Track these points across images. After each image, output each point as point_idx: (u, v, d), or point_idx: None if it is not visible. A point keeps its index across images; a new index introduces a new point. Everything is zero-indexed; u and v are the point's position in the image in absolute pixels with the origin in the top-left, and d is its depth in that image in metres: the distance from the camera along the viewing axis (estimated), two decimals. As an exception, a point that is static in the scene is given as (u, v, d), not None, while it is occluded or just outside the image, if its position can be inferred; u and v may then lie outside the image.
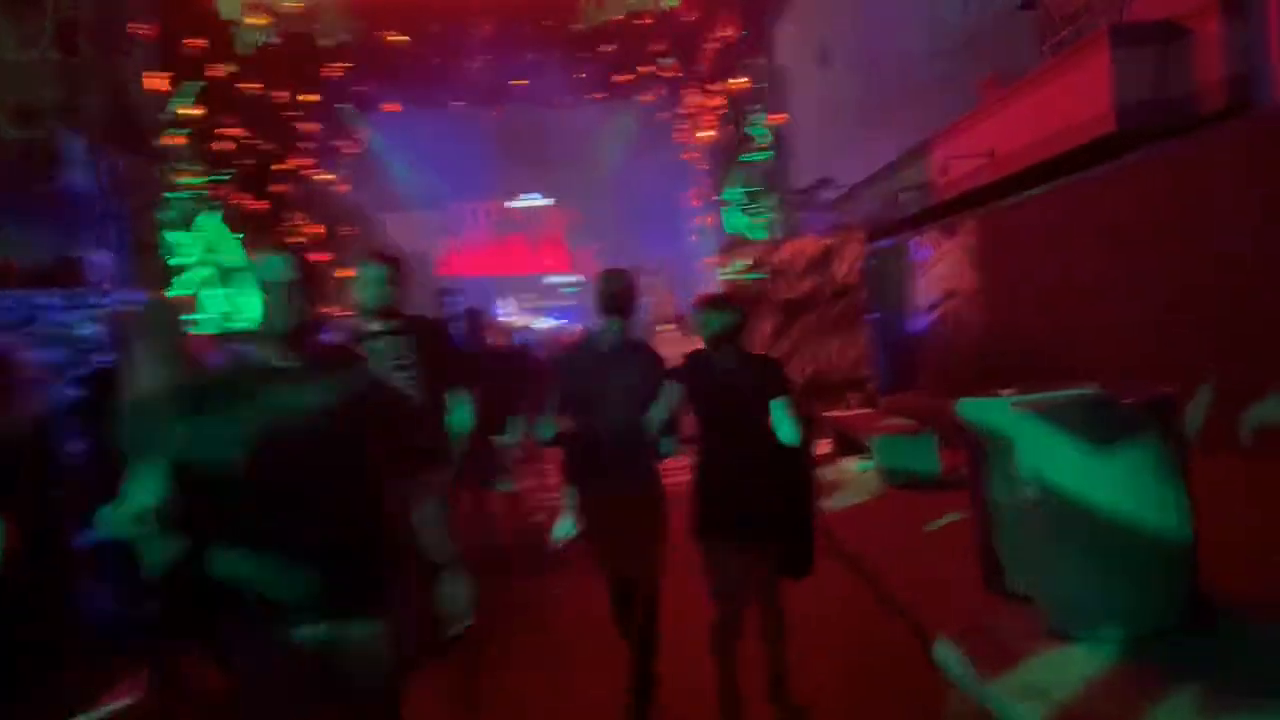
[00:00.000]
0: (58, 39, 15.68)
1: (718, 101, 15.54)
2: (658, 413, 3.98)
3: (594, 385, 4.09)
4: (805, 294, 10.74)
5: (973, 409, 3.46)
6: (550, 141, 24.33)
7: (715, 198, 15.94)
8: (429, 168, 26.95)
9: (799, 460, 3.97)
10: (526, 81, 18.18)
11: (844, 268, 10.73)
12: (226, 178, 14.24)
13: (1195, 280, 7.49)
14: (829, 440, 9.94)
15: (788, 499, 3.96)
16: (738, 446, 3.93)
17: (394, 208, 29.19)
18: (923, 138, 14.69)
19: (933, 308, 13.72)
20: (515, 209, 34.39)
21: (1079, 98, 9.16)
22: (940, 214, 13.66)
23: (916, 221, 14.41)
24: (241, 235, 14.17)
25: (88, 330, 6.53)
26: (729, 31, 14.69)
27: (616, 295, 4.18)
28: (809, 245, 10.77)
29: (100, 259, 6.87)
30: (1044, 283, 10.16)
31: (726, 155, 15.59)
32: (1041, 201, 10.23)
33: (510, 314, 28.83)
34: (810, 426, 4.20)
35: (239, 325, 13.92)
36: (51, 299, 6.44)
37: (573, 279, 32.39)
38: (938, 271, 13.25)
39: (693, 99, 16.47)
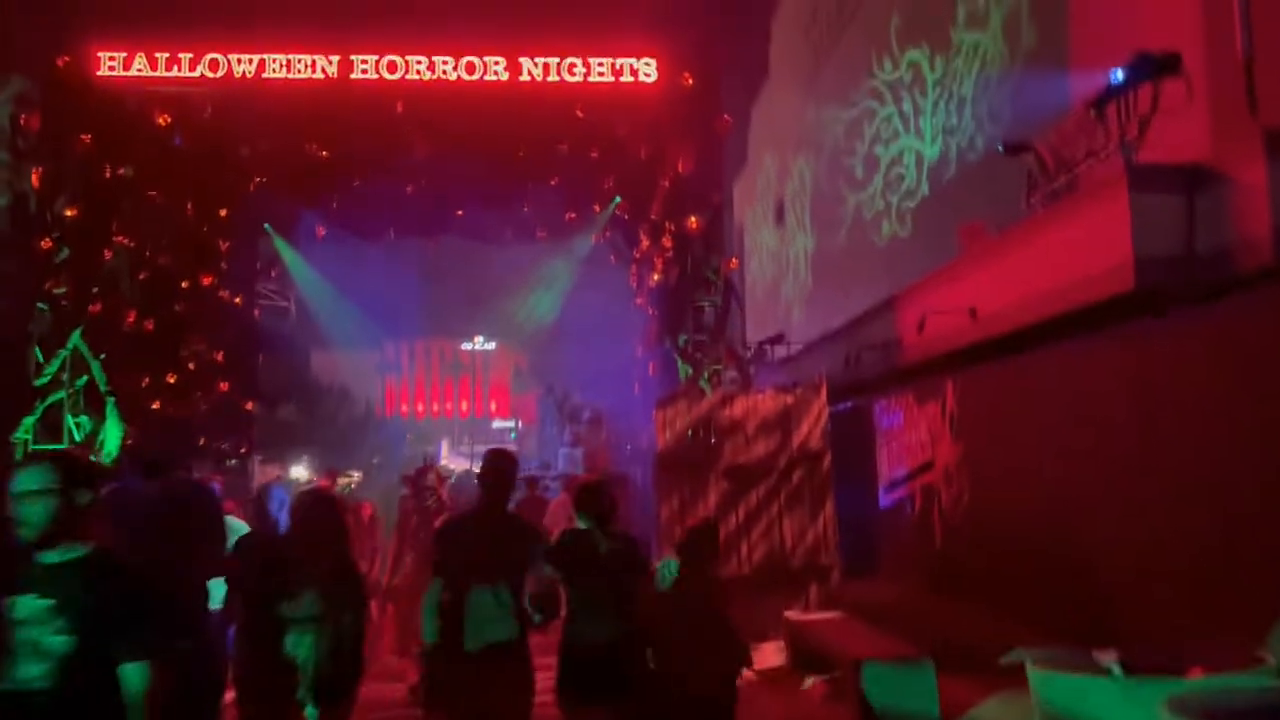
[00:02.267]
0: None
1: (667, 243, 14.24)
2: (530, 586, 4.32)
3: (470, 557, 4.36)
4: (758, 459, 9.05)
5: (1060, 686, 1.96)
6: (491, 278, 22.98)
7: (662, 345, 14.44)
8: (360, 301, 25.38)
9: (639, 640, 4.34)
10: (462, 211, 16.86)
11: (805, 430, 9.11)
12: (95, 290, 12.38)
13: (1231, 465, 6.01)
14: (781, 648, 8.04)
15: (642, 669, 4.26)
16: (600, 619, 4.35)
17: (319, 341, 27.47)
18: (886, 294, 13.52)
19: (900, 482, 12.11)
20: (461, 351, 33.30)
21: (1088, 250, 7.81)
22: (908, 376, 12.21)
23: (881, 384, 12.96)
24: (103, 357, 12.21)
25: None
26: (682, 169, 13.52)
27: (497, 475, 4.57)
28: (765, 402, 9.17)
29: None
30: (1038, 460, 8.63)
31: (675, 300, 14.19)
32: (1038, 367, 8.78)
33: (445, 460, 27.13)
34: (739, 651, 4.45)
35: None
36: None
37: (513, 424, 30.89)
38: (907, 440, 11.69)
39: (641, 240, 15.20)
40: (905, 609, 9.95)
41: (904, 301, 12.35)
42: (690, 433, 9.12)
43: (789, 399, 9.24)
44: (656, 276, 14.98)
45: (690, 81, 13.32)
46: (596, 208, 16.72)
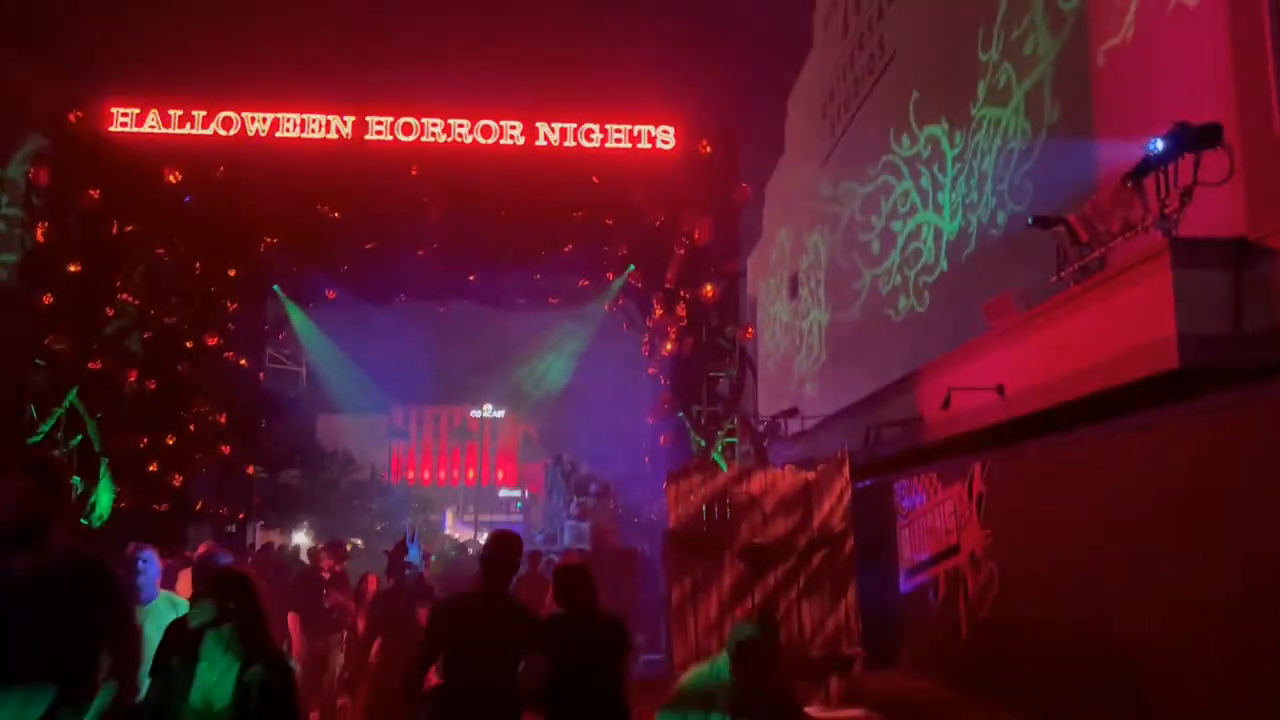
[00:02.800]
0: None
1: (681, 312, 13.91)
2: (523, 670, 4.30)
3: (466, 639, 4.39)
4: (777, 539, 8.55)
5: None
6: (502, 344, 22.70)
7: (674, 415, 14.01)
8: (369, 365, 25.10)
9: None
10: (473, 277, 16.61)
11: (827, 509, 8.63)
12: (95, 347, 12.06)
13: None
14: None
15: None
16: (582, 698, 4.37)
17: (326, 406, 27.15)
18: (904, 370, 13.14)
19: (922, 566, 11.58)
20: (469, 419, 33.03)
21: (1126, 326, 7.43)
22: (932, 455, 11.76)
23: (901, 462, 12.50)
24: (99, 416, 11.83)
25: None
26: (698, 237, 13.26)
27: (500, 560, 4.61)
28: (784, 478, 8.71)
29: None
30: (1075, 548, 8.13)
31: (688, 370, 13.81)
32: (1074, 447, 8.33)
33: (449, 529, 26.58)
34: None
35: None
36: None
37: (520, 494, 30.37)
38: (930, 523, 11.19)
39: (656, 307, 14.88)
40: (933, 709, 9.34)
41: (926, 377, 11.95)
42: (704, 509, 8.65)
43: (810, 475, 8.78)
44: (669, 346, 14.62)
45: (708, 149, 13.13)
46: (610, 275, 16.46)
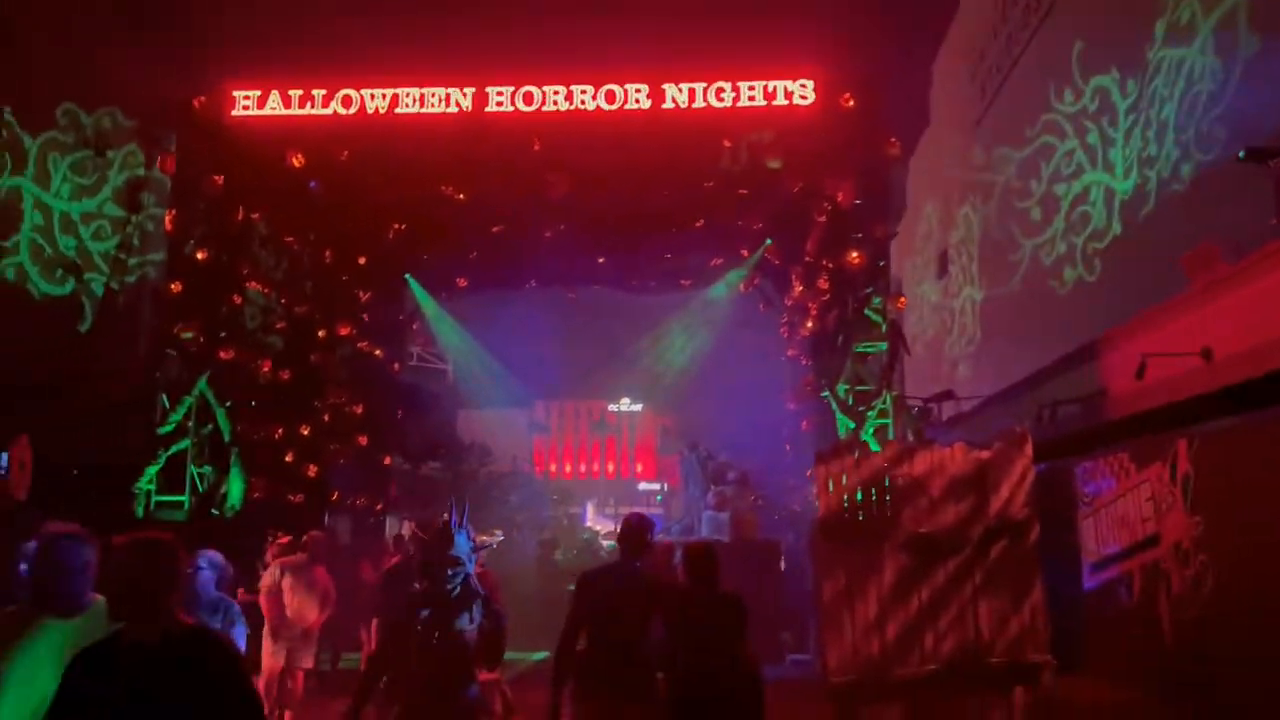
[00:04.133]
0: (120, 195, 14.30)
1: (824, 284, 12.85)
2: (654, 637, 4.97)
3: (602, 608, 4.99)
4: (947, 528, 7.43)
5: None
6: (634, 332, 22.01)
7: (817, 398, 12.97)
8: (504, 356, 24.86)
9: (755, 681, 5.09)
10: (604, 258, 15.96)
11: (1006, 493, 7.46)
12: (223, 335, 11.93)
13: None
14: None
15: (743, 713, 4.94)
16: (705, 669, 4.88)
17: (464, 397, 27.11)
18: (1072, 345, 11.75)
19: (1111, 560, 10.19)
20: (611, 412, 32.83)
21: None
22: (1121, 433, 10.34)
23: (1083, 442, 11.11)
24: (229, 405, 11.69)
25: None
26: (841, 200, 12.16)
27: (630, 536, 5.30)
28: (954, 459, 7.58)
29: None
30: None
31: (832, 347, 12.73)
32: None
33: (590, 519, 26.35)
34: None
35: (176, 512, 11.29)
36: None
37: (659, 487, 29.81)
38: (1121, 510, 9.80)
39: (796, 284, 13.86)
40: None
41: (1110, 346, 10.56)
42: (859, 495, 7.62)
43: (985, 455, 7.61)
44: (811, 323, 13.61)
45: (851, 103, 11.99)
46: (745, 252, 15.55)
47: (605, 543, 17.96)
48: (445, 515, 4.70)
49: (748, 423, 18.60)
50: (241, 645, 4.86)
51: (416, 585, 4.67)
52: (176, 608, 2.84)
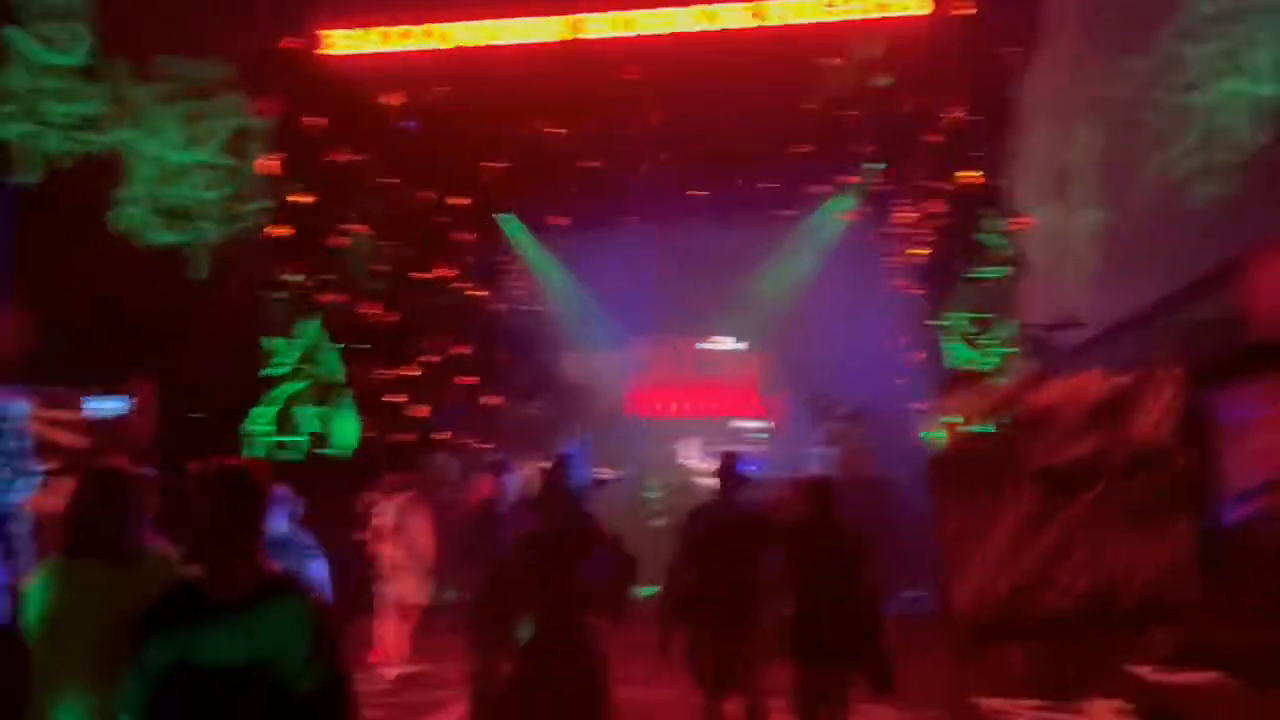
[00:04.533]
0: (229, 144, 14.54)
1: (938, 206, 12.22)
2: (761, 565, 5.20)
3: (711, 544, 5.20)
4: (1081, 460, 6.96)
5: None
6: (735, 267, 21.51)
7: (930, 329, 12.41)
8: (605, 294, 24.71)
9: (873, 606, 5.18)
10: (703, 190, 15.52)
11: (1147, 421, 6.94)
12: (328, 278, 12.03)
13: None
14: (1122, 710, 6.00)
15: (865, 637, 5.01)
16: (824, 595, 4.98)
17: (566, 337, 27.13)
18: (1208, 265, 10.93)
19: (1255, 492, 9.51)
20: (707, 350, 32.50)
21: None
22: (1260, 359, 9.57)
23: (1221, 369, 10.35)
24: (339, 347, 11.81)
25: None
26: (957, 117, 11.45)
27: (726, 475, 5.53)
28: (1089, 385, 7.08)
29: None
30: None
31: (947, 275, 12.12)
32: None
33: (692, 458, 26.20)
34: None
35: (289, 453, 11.48)
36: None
37: (762, 425, 29.42)
38: (1269, 439, 9.09)
39: (905, 209, 13.23)
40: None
41: (1253, 265, 9.74)
42: (984, 425, 7.20)
43: (1124, 380, 7.09)
44: (923, 250, 12.99)
45: (970, 9, 11.18)
46: (852, 177, 14.94)
47: (704, 482, 17.81)
48: (564, 448, 4.45)
49: (856, 357, 18.05)
50: (321, 582, 4.68)
51: (528, 526, 4.34)
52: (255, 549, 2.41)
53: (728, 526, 5.26)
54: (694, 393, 32.96)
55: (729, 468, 5.55)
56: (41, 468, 4.43)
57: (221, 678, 2.18)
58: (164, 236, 14.16)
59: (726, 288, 24.17)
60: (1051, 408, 7.07)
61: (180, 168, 14.44)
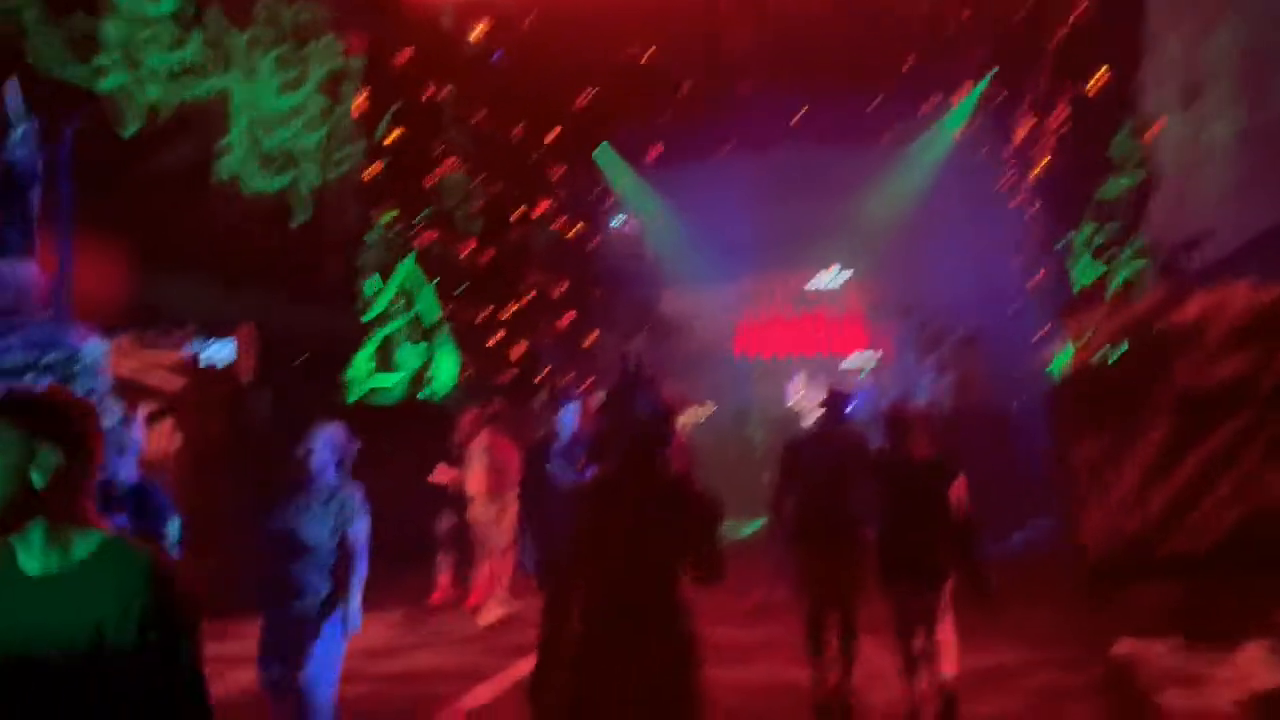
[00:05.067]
0: (324, 87, 14.52)
1: (1060, 115, 11.32)
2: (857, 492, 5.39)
3: (809, 475, 5.46)
4: (1224, 385, 6.29)
5: None
6: (841, 191, 20.66)
7: (1052, 247, 11.60)
8: (701, 227, 24.17)
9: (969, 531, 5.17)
10: (805, 110, 14.82)
11: (1308, 340, 6.22)
12: (426, 215, 11.91)
13: None
14: (1275, 650, 5.43)
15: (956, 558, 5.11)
16: (911, 522, 5.11)
17: (665, 272, 26.75)
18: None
19: None
20: (815, 286, 31.76)
21: None
22: None
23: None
24: (434, 284, 11.73)
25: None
26: (1080, 14, 10.49)
27: (826, 408, 5.76)
28: (1232, 301, 6.37)
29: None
30: None
31: (1071, 188, 11.25)
32: None
33: (798, 394, 25.72)
34: None
35: (388, 395, 11.46)
36: None
37: (871, 358, 28.75)
38: None
39: (1024, 118, 12.32)
40: None
41: None
42: (1116, 348, 6.58)
43: (1272, 295, 6.36)
44: (1044, 163, 12.10)
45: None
46: (963, 90, 14.02)
47: (806, 418, 17.35)
48: (623, 372, 3.33)
49: (970, 281, 17.18)
50: (361, 540, 4.18)
51: (582, 468, 3.80)
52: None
53: (823, 457, 5.46)
54: (799, 327, 32.28)
55: (828, 400, 5.77)
56: (121, 409, 4.30)
57: (37, 651, 1.78)
58: (265, 183, 14.28)
59: (832, 214, 23.32)
60: (1190, 328, 6.39)
61: (278, 113, 14.48)
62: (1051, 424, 8.97)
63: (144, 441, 3.93)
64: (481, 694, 6.27)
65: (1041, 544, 10.13)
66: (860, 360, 29.48)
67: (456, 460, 8.16)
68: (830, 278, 30.74)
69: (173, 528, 3.64)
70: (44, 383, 3.93)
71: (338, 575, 4.13)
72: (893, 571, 5.18)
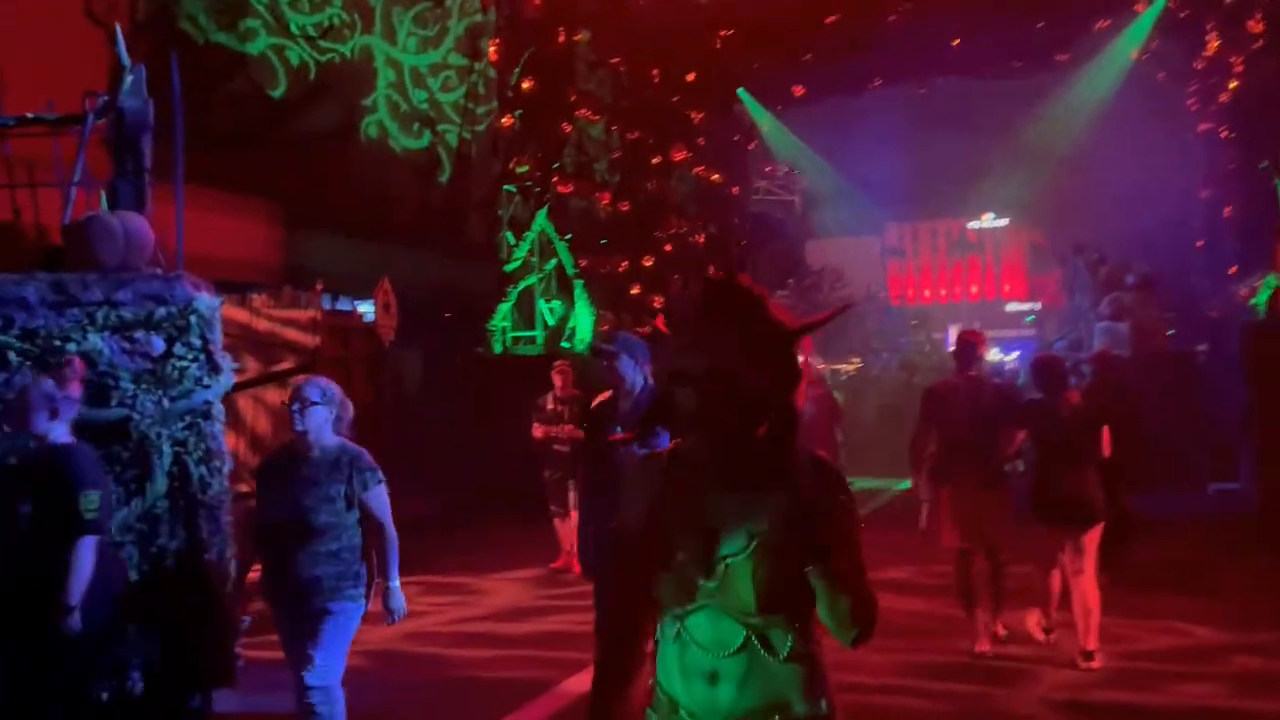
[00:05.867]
0: (462, 44, 14.55)
1: (1254, 29, 10.07)
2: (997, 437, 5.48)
3: (949, 416, 5.56)
4: None
5: None
6: (1000, 127, 19.36)
7: (1244, 178, 10.40)
8: (852, 173, 23.18)
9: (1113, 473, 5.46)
10: (959, 39, 13.79)
11: None
12: (557, 166, 11.71)
13: None
14: None
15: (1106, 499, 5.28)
16: (1060, 467, 5.29)
17: (814, 221, 25.90)
18: None
19: None
20: (972, 230, 30.33)
21: None
22: None
23: None
24: (569, 238, 11.54)
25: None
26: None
27: (961, 353, 5.84)
28: None
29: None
30: None
31: (1268, 109, 10.02)
32: None
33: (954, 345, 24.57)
34: None
35: (531, 347, 11.32)
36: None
37: (1031, 307, 27.32)
38: None
39: (1209, 35, 11.06)
40: None
41: None
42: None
43: None
44: (1234, 84, 10.84)
45: None
46: (1139, 7, 12.74)
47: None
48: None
49: (1146, 219, 15.79)
50: (384, 506, 3.61)
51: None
52: None
53: (963, 401, 5.50)
54: (955, 276, 30.92)
55: (959, 344, 5.86)
56: (236, 364, 4.23)
57: None
58: (408, 141, 14.43)
59: (988, 158, 21.96)
60: None
61: (418, 71, 14.56)
62: (1245, 370, 8.02)
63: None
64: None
65: (1234, 504, 9.18)
66: (1020, 308, 27.99)
67: (551, 415, 7.77)
68: (987, 223, 29.21)
69: (87, 501, 3.26)
70: (156, 338, 3.84)
71: (365, 555, 3.58)
72: (1044, 515, 5.29)
